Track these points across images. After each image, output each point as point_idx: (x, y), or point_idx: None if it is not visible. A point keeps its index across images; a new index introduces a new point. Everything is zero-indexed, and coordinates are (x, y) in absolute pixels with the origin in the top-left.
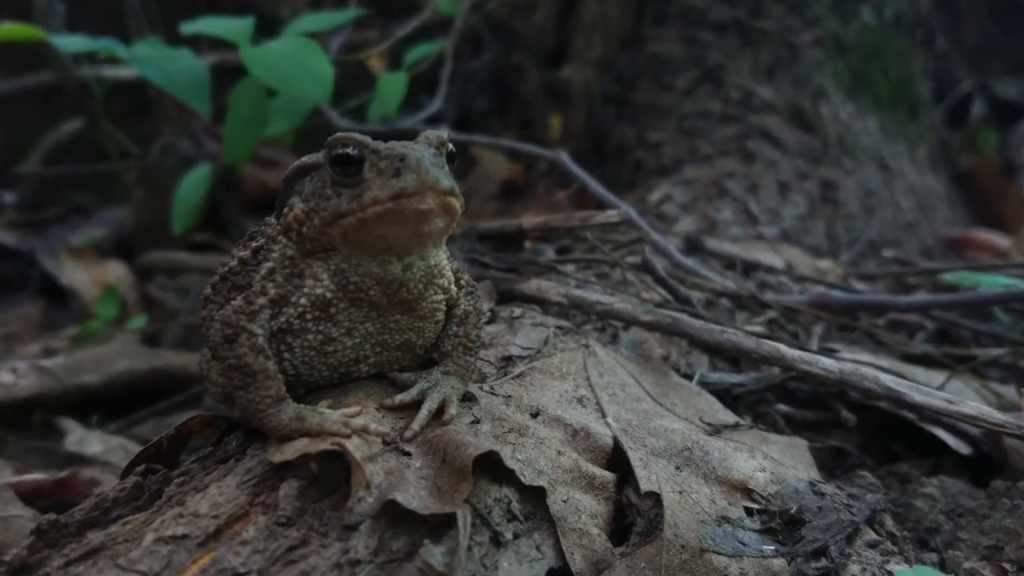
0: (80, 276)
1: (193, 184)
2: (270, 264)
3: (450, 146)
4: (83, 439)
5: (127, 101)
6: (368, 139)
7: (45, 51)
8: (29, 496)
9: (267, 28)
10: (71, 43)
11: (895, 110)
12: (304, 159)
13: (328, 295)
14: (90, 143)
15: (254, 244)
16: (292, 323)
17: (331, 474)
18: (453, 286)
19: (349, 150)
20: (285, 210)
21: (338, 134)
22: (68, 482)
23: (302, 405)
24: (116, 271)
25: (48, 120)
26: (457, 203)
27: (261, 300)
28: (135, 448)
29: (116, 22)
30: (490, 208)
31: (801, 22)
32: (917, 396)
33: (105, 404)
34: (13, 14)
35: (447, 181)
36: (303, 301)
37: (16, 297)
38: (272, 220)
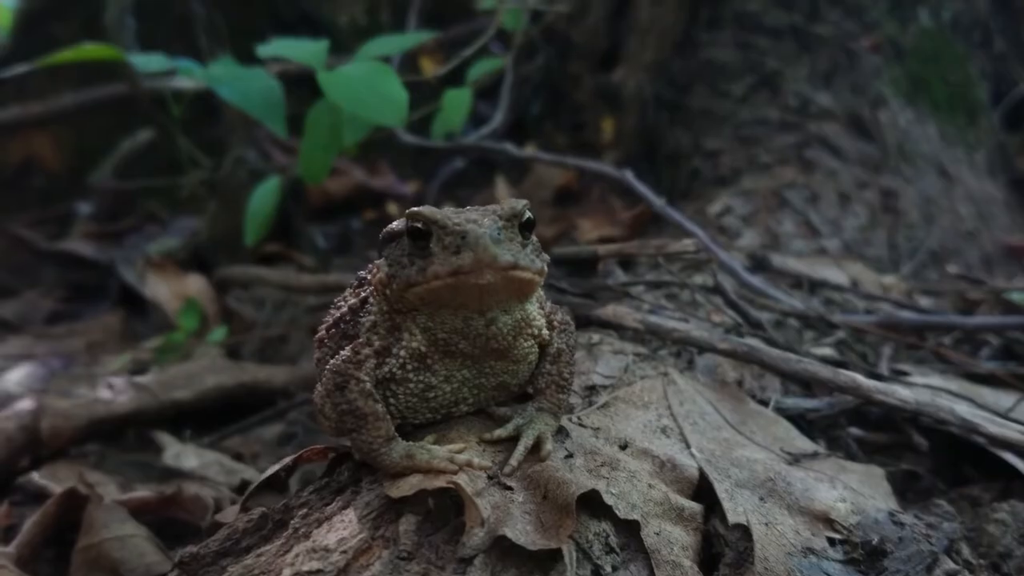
0: (162, 289)
1: (264, 196)
2: (372, 317)
3: (528, 215)
4: (180, 454)
5: (193, 109)
6: (438, 214)
7: (116, 63)
8: (136, 512)
9: (321, 35)
10: (148, 62)
11: (954, 115)
12: (392, 225)
13: (423, 349)
14: (159, 152)
15: (363, 293)
16: (395, 373)
17: (443, 508)
18: (545, 330)
19: (418, 224)
20: (374, 271)
21: (414, 208)
22: (174, 498)
23: (411, 443)
24: (196, 284)
25: (117, 128)
26: (525, 273)
27: (367, 351)
28: (229, 463)
29: (184, 32)
30: (545, 215)
31: (858, 26)
32: (992, 428)
33: (195, 418)
34: (82, 26)
35: (507, 256)
36: (402, 353)
37: (96, 306)
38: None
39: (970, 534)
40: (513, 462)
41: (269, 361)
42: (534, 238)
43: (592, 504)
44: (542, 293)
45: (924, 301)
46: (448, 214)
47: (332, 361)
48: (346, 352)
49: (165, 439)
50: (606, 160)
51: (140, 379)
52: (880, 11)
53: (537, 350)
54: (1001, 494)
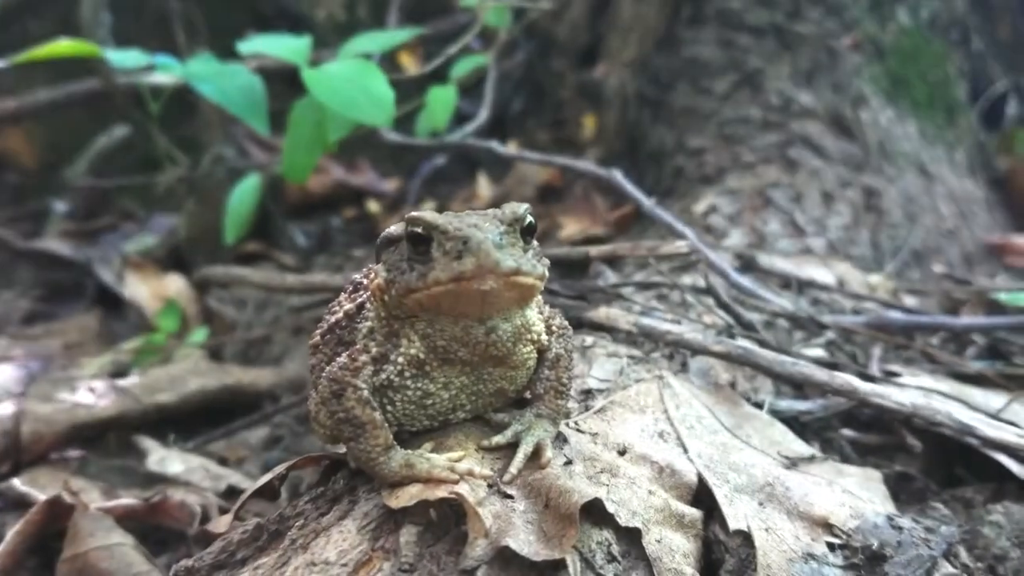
0: (140, 289)
1: (244, 194)
2: (369, 324)
3: (529, 219)
4: (164, 459)
5: (168, 104)
6: (439, 220)
7: (91, 58)
8: (121, 519)
9: (300, 30)
10: (126, 59)
11: (933, 113)
12: (390, 229)
13: (422, 356)
14: (134, 148)
15: (359, 299)
16: (392, 380)
17: (444, 518)
18: (543, 335)
19: (419, 230)
20: (372, 276)
21: (413, 213)
22: (160, 506)
23: (409, 451)
24: (175, 284)
25: (91, 123)
26: (527, 279)
27: (364, 358)
28: (214, 468)
29: (161, 27)
30: None
31: (839, 25)
32: (989, 431)
33: (178, 422)
34: (56, 22)
35: (510, 262)
36: (400, 360)
37: (72, 306)
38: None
39: (965, 536)
40: (513, 470)
41: (252, 363)
42: (535, 243)
43: (593, 512)
44: (540, 297)
45: (910, 301)
46: (450, 219)
47: (328, 368)
48: (343, 359)
49: (148, 444)
50: (588, 157)
51: (122, 382)
52: (860, 9)
53: (535, 355)
54: (994, 495)
